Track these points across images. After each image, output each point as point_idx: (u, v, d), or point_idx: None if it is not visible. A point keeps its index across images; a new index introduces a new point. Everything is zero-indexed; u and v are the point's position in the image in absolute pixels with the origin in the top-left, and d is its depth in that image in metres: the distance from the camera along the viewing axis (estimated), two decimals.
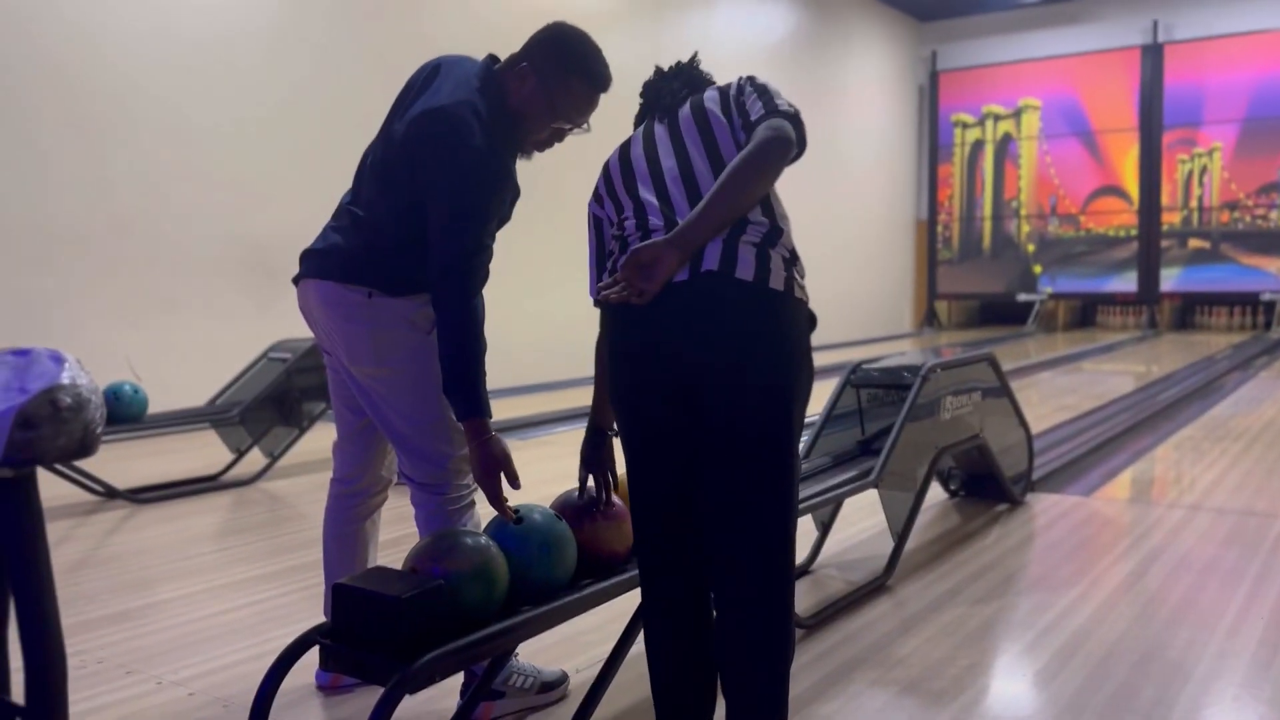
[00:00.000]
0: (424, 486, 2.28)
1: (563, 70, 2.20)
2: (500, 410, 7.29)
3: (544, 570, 2.00)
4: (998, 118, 16.96)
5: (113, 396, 4.73)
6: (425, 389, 2.22)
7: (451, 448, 2.26)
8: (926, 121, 17.68)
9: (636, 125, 2.10)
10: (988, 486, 4.41)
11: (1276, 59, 14.61)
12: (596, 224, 2.03)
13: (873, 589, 3.27)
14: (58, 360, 1.32)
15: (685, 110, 1.97)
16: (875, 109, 16.28)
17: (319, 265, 2.25)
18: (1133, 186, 15.85)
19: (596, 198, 2.03)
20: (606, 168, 2.02)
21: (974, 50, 17.16)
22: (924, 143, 17.75)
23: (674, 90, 2.04)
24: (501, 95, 2.20)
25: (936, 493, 4.52)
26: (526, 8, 9.91)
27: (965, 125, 17.24)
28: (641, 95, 2.10)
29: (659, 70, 2.11)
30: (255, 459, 5.29)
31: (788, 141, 1.81)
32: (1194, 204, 15.45)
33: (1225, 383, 8.86)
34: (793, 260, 1.82)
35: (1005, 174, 16.96)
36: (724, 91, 1.97)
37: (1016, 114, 16.77)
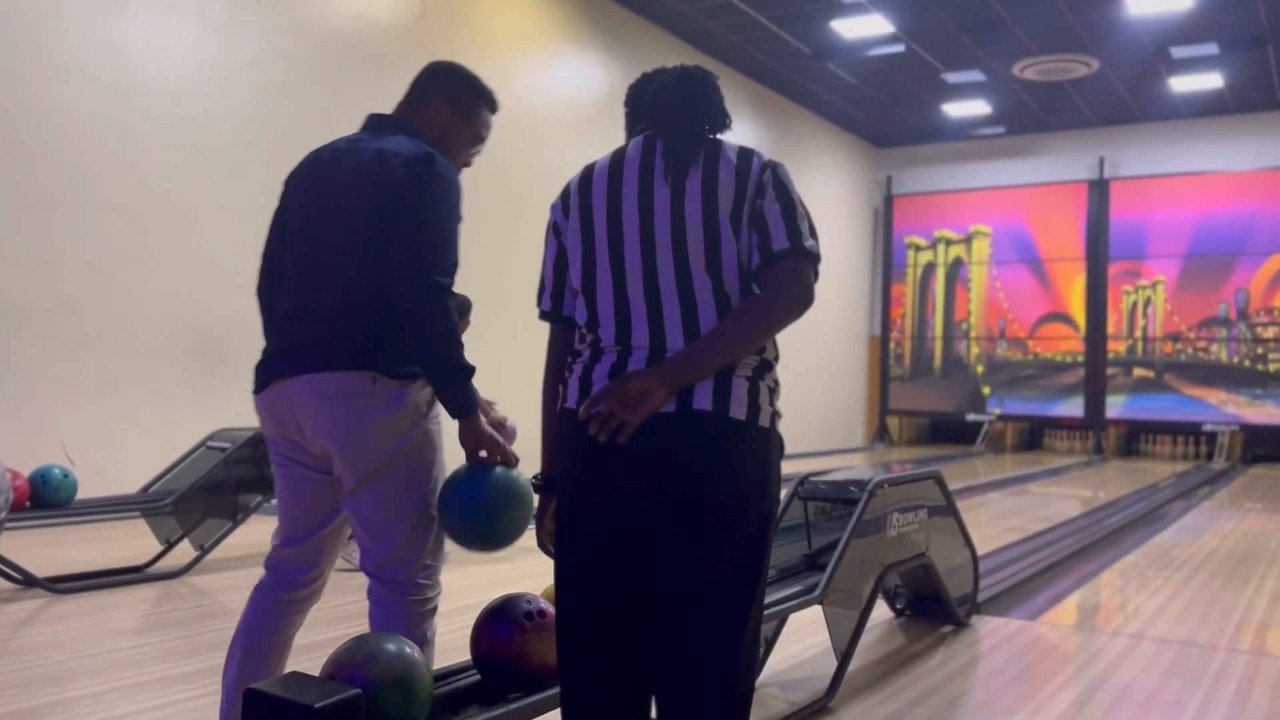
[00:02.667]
0: (391, 584, 2.18)
1: (474, 99, 2.38)
2: None
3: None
4: (949, 242, 17.43)
5: (40, 480, 4.57)
6: (417, 478, 2.18)
7: (425, 546, 2.20)
8: (881, 242, 18.12)
9: (630, 133, 1.91)
10: (933, 607, 4.36)
11: (1216, 199, 15.24)
12: (557, 233, 1.86)
13: (814, 710, 3.19)
14: None
15: (695, 186, 1.73)
16: (832, 227, 16.69)
17: (309, 359, 2.13)
18: (1079, 314, 16.27)
19: (564, 211, 1.84)
20: (588, 190, 1.81)
21: (927, 177, 17.72)
22: (878, 262, 18.16)
23: (688, 139, 1.77)
24: (419, 133, 2.31)
25: (882, 611, 4.46)
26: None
27: (918, 248, 17.69)
28: (655, 100, 1.84)
29: (683, 78, 1.82)
30: (185, 551, 5.11)
31: (807, 299, 1.71)
32: (1138, 334, 15.87)
33: (1169, 511, 8.95)
34: (775, 389, 1.76)
35: (956, 296, 17.36)
36: (740, 180, 1.73)
37: (967, 239, 17.25)
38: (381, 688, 1.75)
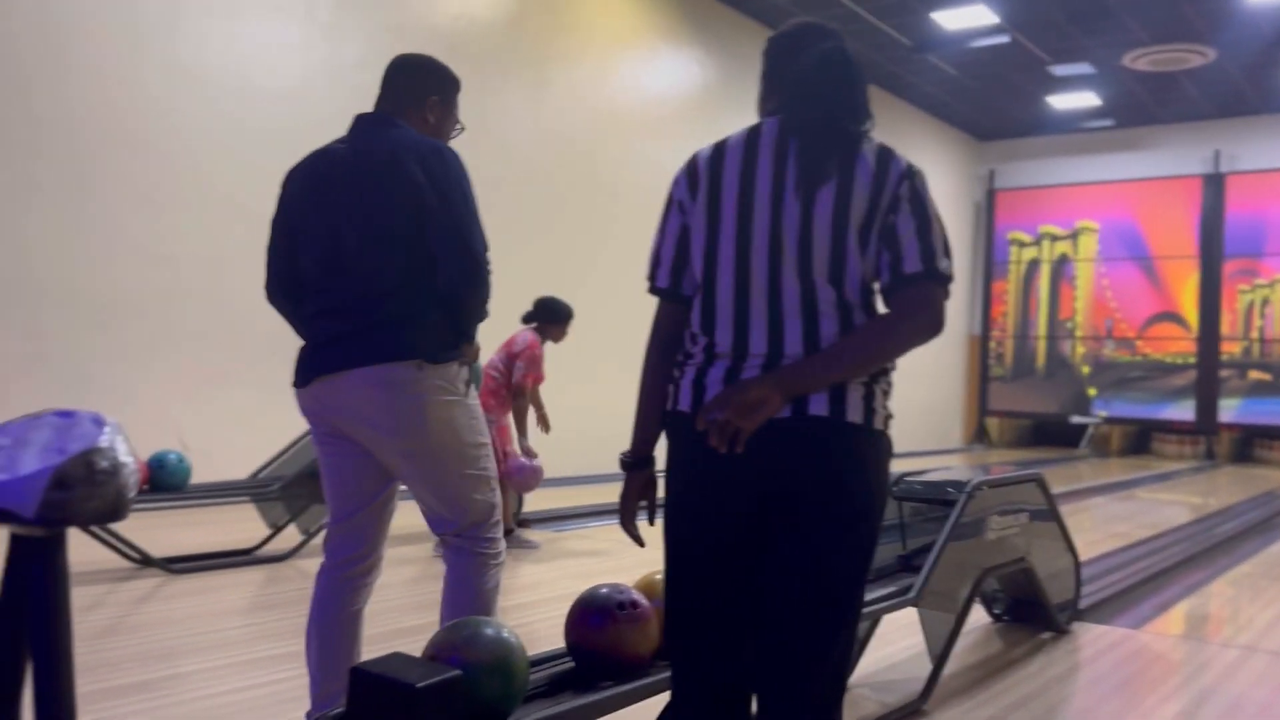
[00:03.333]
0: (465, 541, 2.41)
1: (455, 89, 2.60)
2: (542, 501, 7.26)
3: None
4: (1054, 238, 16.94)
5: (157, 464, 4.79)
6: (470, 448, 2.39)
7: (490, 505, 2.44)
8: (982, 238, 17.71)
9: (765, 97, 1.85)
10: (1033, 612, 4.26)
11: None
12: (681, 211, 1.78)
13: (907, 713, 3.15)
14: (99, 424, 1.33)
15: (828, 196, 1.66)
16: None
17: (356, 354, 2.29)
18: (1192, 314, 15.66)
19: (691, 191, 1.77)
20: (718, 176, 1.74)
21: (1032, 171, 17.25)
22: (979, 258, 17.75)
23: (825, 148, 1.68)
24: (415, 127, 2.48)
25: (979, 615, 4.38)
26: (590, 111, 10.20)
27: (1021, 244, 17.24)
28: (795, 89, 1.75)
29: (824, 66, 1.74)
30: (292, 535, 5.29)
31: (937, 326, 1.66)
32: (1255, 335, 15.19)
33: None
34: (889, 391, 1.75)
35: (1061, 294, 16.86)
36: (876, 190, 1.66)
37: (1074, 235, 16.74)
38: (480, 670, 1.80)
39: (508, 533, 5.62)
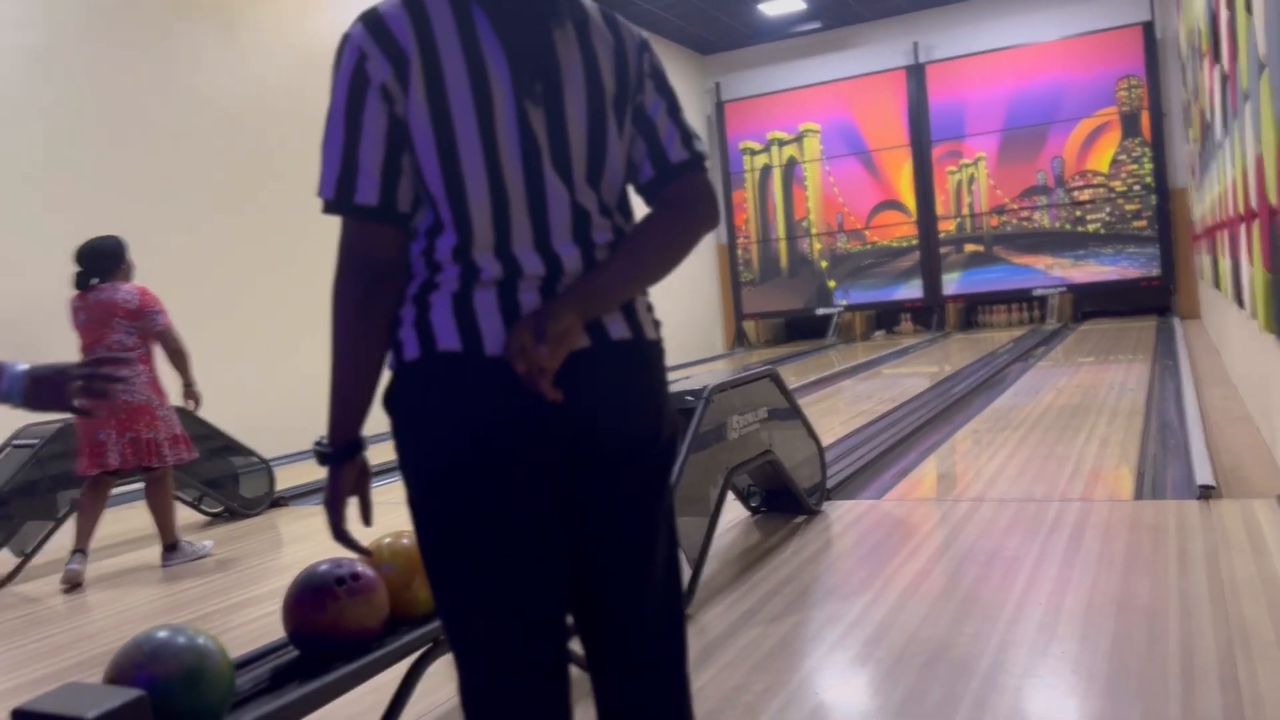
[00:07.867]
0: None
1: None
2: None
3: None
4: (782, 143, 17.60)
5: None
6: None
7: None
8: (717, 150, 18.17)
9: None
10: (786, 500, 4.44)
11: (1027, 72, 15.77)
12: (387, 98, 1.33)
13: None
14: None
15: (576, 75, 1.38)
16: None
17: None
18: (909, 199, 16.74)
19: (397, 73, 1.32)
20: (433, 52, 1.32)
21: (755, 80, 17.77)
22: (716, 170, 18.22)
23: (538, 24, 1.37)
24: None
25: (739, 511, 4.52)
26: (292, 52, 9.57)
27: (753, 152, 17.81)
28: None
29: None
30: (6, 559, 4.76)
31: (717, 216, 1.49)
32: (965, 211, 16.45)
33: (1007, 375, 9.38)
34: None
35: (794, 196, 17.60)
36: (620, 65, 1.43)
37: (799, 138, 17.45)
38: (171, 684, 1.62)
39: (172, 547, 4.71)
